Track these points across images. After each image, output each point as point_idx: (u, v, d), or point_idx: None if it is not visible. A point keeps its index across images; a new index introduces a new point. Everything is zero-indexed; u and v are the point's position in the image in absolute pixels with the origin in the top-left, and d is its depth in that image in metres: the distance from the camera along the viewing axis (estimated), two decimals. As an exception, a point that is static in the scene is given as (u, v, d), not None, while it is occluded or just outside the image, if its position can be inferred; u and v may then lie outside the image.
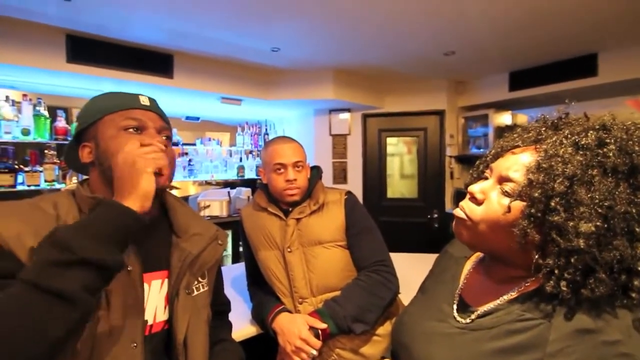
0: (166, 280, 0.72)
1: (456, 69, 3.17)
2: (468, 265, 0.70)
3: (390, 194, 3.74)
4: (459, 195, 3.58)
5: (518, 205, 0.51)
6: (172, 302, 0.71)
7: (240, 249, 1.28)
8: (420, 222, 3.60)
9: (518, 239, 0.50)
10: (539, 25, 2.23)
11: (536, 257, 0.50)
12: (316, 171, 1.22)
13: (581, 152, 0.48)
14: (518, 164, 0.54)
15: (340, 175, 3.75)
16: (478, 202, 0.56)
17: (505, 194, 0.53)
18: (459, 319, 0.60)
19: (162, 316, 0.71)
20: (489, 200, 0.55)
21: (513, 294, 0.55)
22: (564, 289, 0.46)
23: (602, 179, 0.45)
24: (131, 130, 0.68)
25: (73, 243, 0.49)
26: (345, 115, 3.69)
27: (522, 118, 3.83)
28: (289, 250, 1.09)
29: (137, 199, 0.58)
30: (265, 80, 3.27)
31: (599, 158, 0.47)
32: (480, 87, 3.53)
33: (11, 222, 0.56)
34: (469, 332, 0.57)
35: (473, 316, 0.58)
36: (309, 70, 3.18)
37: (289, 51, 2.71)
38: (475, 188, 0.57)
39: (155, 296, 0.70)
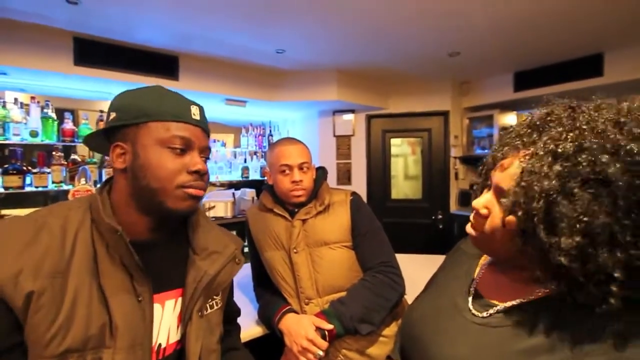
0: (180, 299, 0.68)
1: (461, 69, 3.16)
2: (482, 261, 0.70)
3: (395, 195, 3.73)
4: (464, 196, 3.57)
5: (513, 219, 0.50)
6: (185, 325, 0.66)
7: (246, 249, 1.28)
8: (425, 223, 3.59)
9: (519, 253, 0.50)
10: (544, 25, 2.22)
11: (537, 271, 0.49)
12: (321, 172, 1.22)
13: (559, 162, 0.45)
14: (508, 176, 0.52)
15: (345, 176, 3.75)
16: (483, 217, 0.57)
17: (503, 206, 0.52)
18: (475, 312, 0.60)
19: (175, 337, 0.67)
20: (492, 214, 0.55)
21: (539, 294, 0.54)
22: (567, 297, 0.47)
23: (580, 190, 0.43)
24: (177, 149, 0.62)
25: None
26: (349, 117, 3.70)
27: (527, 118, 3.80)
28: (295, 251, 1.10)
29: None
30: (270, 81, 3.28)
31: (578, 167, 0.44)
32: (485, 88, 3.51)
33: (8, 259, 0.51)
34: (491, 329, 0.56)
35: (492, 310, 0.58)
36: (313, 72, 3.19)
37: (293, 53, 2.72)
38: (479, 203, 0.58)
39: (168, 317, 0.66)
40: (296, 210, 1.15)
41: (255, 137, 3.94)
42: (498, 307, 0.57)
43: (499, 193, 0.54)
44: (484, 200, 0.57)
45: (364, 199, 1.29)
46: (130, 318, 0.58)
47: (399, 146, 3.76)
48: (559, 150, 0.46)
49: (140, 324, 0.59)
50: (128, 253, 0.59)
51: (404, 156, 3.77)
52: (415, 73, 3.26)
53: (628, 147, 0.42)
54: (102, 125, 2.52)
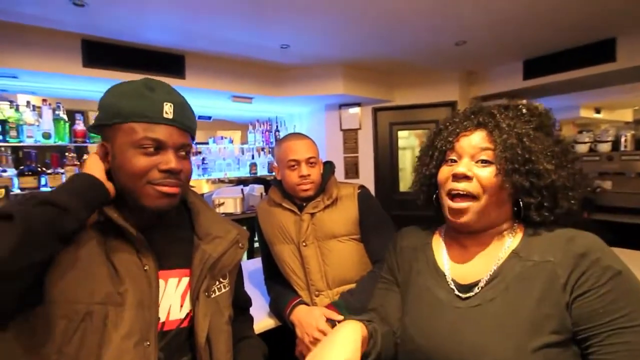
0: (185, 279, 0.72)
1: (468, 58, 3.11)
2: (438, 246, 0.76)
3: (403, 187, 3.71)
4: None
5: (495, 167, 0.63)
6: (194, 304, 0.71)
7: (256, 244, 1.30)
8: (433, 215, 3.57)
9: (511, 190, 0.63)
10: (554, 10, 2.17)
11: (522, 200, 0.64)
12: (329, 166, 1.23)
13: (520, 120, 0.67)
14: (481, 138, 0.66)
15: (352, 170, 3.75)
16: (469, 180, 0.64)
17: (485, 163, 0.64)
18: (463, 296, 0.64)
19: (178, 314, 0.70)
20: (476, 175, 0.64)
21: (502, 256, 0.65)
22: (546, 214, 0.63)
23: (536, 133, 0.65)
24: (149, 149, 0.64)
25: (51, 194, 0.56)
26: (355, 110, 3.68)
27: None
28: (304, 244, 1.11)
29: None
30: (276, 77, 3.28)
31: (531, 124, 0.67)
32: (493, 77, 3.45)
33: None
34: (488, 303, 0.61)
35: (476, 289, 0.63)
36: (319, 66, 3.18)
37: (298, 48, 2.72)
38: (462, 169, 0.65)
39: (170, 294, 0.70)
40: (304, 204, 1.16)
41: (262, 133, 3.96)
42: (480, 283, 0.64)
43: (477, 153, 0.65)
44: (464, 166, 0.66)
45: (372, 192, 1.30)
46: (137, 281, 0.63)
47: (406, 138, 3.74)
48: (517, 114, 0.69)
49: (147, 289, 0.64)
50: (129, 231, 0.65)
51: (412, 148, 3.74)
52: (422, 64, 3.22)
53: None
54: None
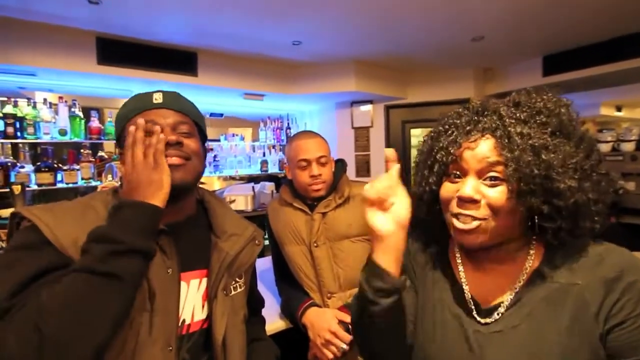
0: (204, 280, 0.72)
1: (484, 54, 3.03)
2: (453, 255, 0.69)
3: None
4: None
5: (507, 187, 0.54)
6: (211, 303, 0.71)
7: (266, 242, 1.29)
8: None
9: (527, 213, 0.54)
10: (575, 2, 2.08)
11: (537, 222, 0.55)
12: (340, 164, 1.21)
13: (535, 121, 0.56)
14: (489, 150, 0.55)
15: (363, 168, 3.71)
16: (477, 203, 0.55)
17: (495, 180, 0.55)
18: (483, 320, 0.59)
19: (200, 315, 0.71)
20: (485, 197, 0.55)
21: (523, 276, 0.58)
22: (566, 237, 0.54)
23: (554, 139, 0.54)
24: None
25: (120, 236, 0.56)
26: (367, 107, 3.63)
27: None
28: (315, 245, 1.09)
29: (151, 195, 0.61)
30: (287, 74, 3.26)
31: (548, 127, 0.55)
32: (511, 73, 3.35)
33: (68, 227, 0.59)
34: (512, 330, 0.56)
35: (497, 315, 0.58)
36: (330, 63, 3.14)
37: (310, 44, 2.69)
38: (469, 191, 0.55)
39: (193, 295, 0.70)
40: (316, 203, 1.13)
41: (274, 130, 3.95)
42: (501, 308, 0.58)
43: (485, 170, 0.55)
44: (471, 187, 0.56)
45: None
46: (163, 286, 0.64)
47: (419, 137, 3.67)
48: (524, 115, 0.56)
49: (171, 293, 0.65)
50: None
51: (425, 147, 3.67)
52: (436, 61, 3.15)
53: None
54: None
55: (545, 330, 0.53)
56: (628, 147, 3.04)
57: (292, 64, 3.18)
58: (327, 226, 1.10)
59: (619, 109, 5.86)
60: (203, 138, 0.79)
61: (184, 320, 0.68)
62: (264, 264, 1.71)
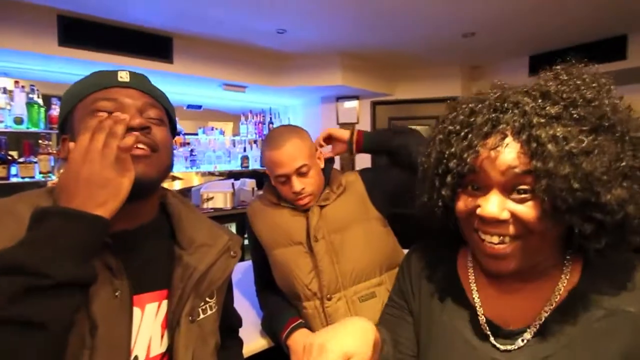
0: (164, 303, 0.59)
1: (474, 52, 2.99)
2: (464, 272, 0.60)
3: (400, 185, 3.61)
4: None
5: (539, 204, 0.45)
6: (173, 333, 0.58)
7: (246, 241, 1.15)
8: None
9: (565, 230, 0.47)
10: (563, 4, 2.05)
11: (577, 240, 0.47)
12: (328, 161, 1.13)
13: (570, 116, 0.44)
14: (513, 158, 0.45)
15: (349, 165, 3.62)
16: (504, 223, 0.47)
17: (524, 193, 0.45)
18: (503, 347, 0.50)
19: (159, 349, 0.58)
20: (514, 214, 0.46)
21: (556, 298, 0.49)
22: (609, 253, 0.46)
23: (597, 138, 0.43)
24: (103, 113, 0.54)
25: (42, 266, 0.40)
26: (353, 103, 3.54)
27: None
28: (315, 240, 0.97)
29: (100, 202, 0.46)
30: (271, 65, 3.11)
31: (586, 122, 0.44)
32: (498, 72, 3.35)
33: None
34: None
35: (521, 341, 0.49)
36: (316, 55, 3.02)
37: (295, 33, 2.55)
38: (495, 210, 0.46)
39: (149, 324, 0.57)
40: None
41: (255, 124, 3.81)
42: (526, 334, 0.49)
43: (511, 183, 0.46)
44: (496, 205, 0.46)
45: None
46: (109, 314, 0.51)
47: (405, 134, 3.62)
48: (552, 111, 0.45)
49: (118, 323, 0.52)
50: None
51: (411, 145, 3.63)
52: (425, 56, 3.09)
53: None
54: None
55: None
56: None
57: (276, 54, 3.02)
58: (328, 218, 1.00)
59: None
60: (173, 130, 0.65)
61: (136, 357, 0.55)
62: (242, 270, 1.55)
